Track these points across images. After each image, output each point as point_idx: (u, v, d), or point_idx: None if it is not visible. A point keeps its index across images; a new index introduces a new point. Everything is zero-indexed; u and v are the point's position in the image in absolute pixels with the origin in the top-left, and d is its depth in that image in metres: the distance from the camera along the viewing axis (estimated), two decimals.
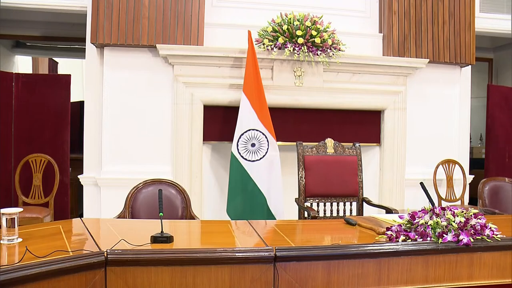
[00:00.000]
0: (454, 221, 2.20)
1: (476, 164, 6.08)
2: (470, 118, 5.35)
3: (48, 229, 2.42)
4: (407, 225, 2.28)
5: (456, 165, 4.99)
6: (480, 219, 2.26)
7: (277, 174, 4.27)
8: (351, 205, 3.90)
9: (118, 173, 4.37)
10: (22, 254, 1.83)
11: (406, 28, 4.80)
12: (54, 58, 8.17)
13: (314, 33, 4.38)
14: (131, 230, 2.47)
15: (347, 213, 3.88)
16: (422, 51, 4.83)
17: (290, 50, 4.34)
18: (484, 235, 2.23)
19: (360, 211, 3.91)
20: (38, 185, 4.43)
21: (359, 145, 4.06)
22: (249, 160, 4.19)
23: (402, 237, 2.21)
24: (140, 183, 3.06)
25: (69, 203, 4.83)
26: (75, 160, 4.91)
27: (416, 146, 4.94)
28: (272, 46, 4.36)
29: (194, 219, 3.01)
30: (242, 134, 4.19)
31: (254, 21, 4.52)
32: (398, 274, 2.16)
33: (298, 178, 3.84)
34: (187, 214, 3.01)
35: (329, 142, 3.97)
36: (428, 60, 4.80)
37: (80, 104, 5.26)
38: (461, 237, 2.18)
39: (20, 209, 2.16)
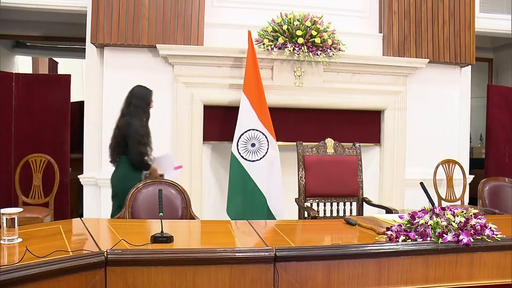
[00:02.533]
0: (454, 221, 2.20)
1: (476, 164, 6.07)
2: (470, 118, 5.35)
3: (48, 229, 2.42)
4: (407, 225, 2.28)
5: (456, 165, 4.99)
6: (480, 219, 2.26)
7: (277, 174, 4.27)
8: (351, 205, 3.90)
9: None
10: (22, 254, 1.83)
11: (406, 28, 4.80)
12: (54, 58, 8.16)
13: (314, 33, 4.38)
14: (131, 230, 2.47)
15: (347, 213, 3.88)
16: (422, 51, 4.83)
17: (290, 50, 4.34)
18: (484, 235, 2.23)
19: (360, 211, 3.91)
20: (38, 185, 4.43)
21: (359, 145, 4.06)
22: (249, 160, 4.19)
23: (402, 237, 2.21)
24: (140, 183, 3.06)
25: (69, 203, 4.83)
26: (75, 160, 4.91)
27: (416, 146, 4.94)
28: (272, 46, 4.36)
29: (194, 219, 3.01)
30: (242, 134, 4.19)
31: (254, 21, 4.52)
32: (398, 274, 2.16)
33: (298, 178, 3.84)
34: (187, 214, 3.01)
35: (329, 142, 3.96)
36: (428, 60, 4.80)
37: (80, 104, 5.26)
38: (461, 237, 2.18)
39: (20, 209, 2.16)
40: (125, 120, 3.47)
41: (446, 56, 4.90)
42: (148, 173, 3.53)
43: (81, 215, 4.84)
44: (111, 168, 4.36)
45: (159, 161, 3.63)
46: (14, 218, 2.08)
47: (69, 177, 4.79)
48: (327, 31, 4.47)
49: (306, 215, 3.60)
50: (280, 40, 4.35)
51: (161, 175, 3.56)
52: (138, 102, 3.50)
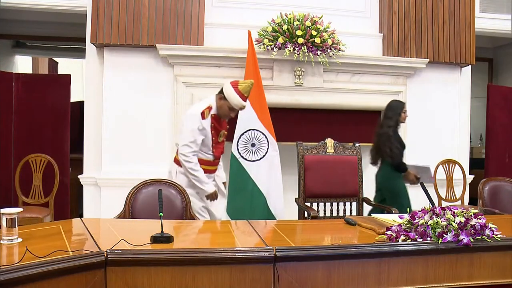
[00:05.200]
0: (454, 221, 2.20)
1: (476, 164, 6.07)
2: (470, 118, 5.34)
3: (48, 229, 2.42)
4: (407, 225, 2.28)
5: (456, 165, 4.99)
6: (480, 219, 2.26)
7: (277, 174, 4.27)
8: (351, 205, 3.90)
9: (118, 173, 4.37)
10: (22, 254, 1.82)
11: (406, 28, 4.80)
12: (54, 58, 8.17)
13: (314, 33, 4.38)
14: (131, 230, 2.47)
15: (347, 213, 3.88)
16: (422, 51, 4.83)
17: (290, 50, 4.34)
18: (484, 235, 2.23)
19: (360, 211, 3.91)
20: (38, 185, 4.43)
21: (359, 145, 4.06)
22: (249, 160, 4.19)
23: (402, 237, 2.21)
24: (140, 183, 3.05)
25: (69, 203, 4.82)
26: (75, 160, 4.91)
27: (416, 146, 4.93)
28: (272, 46, 4.36)
29: (194, 219, 3.01)
30: (242, 134, 4.19)
31: (254, 21, 4.52)
32: (398, 274, 2.16)
33: (298, 178, 3.84)
34: (187, 214, 3.01)
35: (329, 142, 3.97)
36: (428, 60, 4.80)
37: (80, 104, 5.26)
38: (461, 237, 2.18)
39: (20, 209, 2.15)
40: (383, 130, 4.02)
41: (446, 56, 4.90)
42: (404, 174, 4.04)
43: (81, 215, 4.84)
44: (112, 168, 4.38)
45: (416, 168, 4.16)
46: (14, 218, 2.08)
47: (69, 177, 4.79)
48: (327, 31, 4.47)
49: (306, 215, 3.60)
50: (280, 40, 4.35)
51: (418, 178, 4.01)
52: (390, 113, 4.05)
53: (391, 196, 3.96)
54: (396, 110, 4.06)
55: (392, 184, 3.95)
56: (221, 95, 3.38)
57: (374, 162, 4.15)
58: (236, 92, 3.32)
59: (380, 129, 4.08)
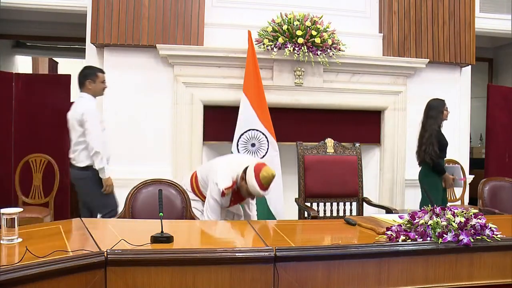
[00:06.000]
0: (454, 221, 2.20)
1: (476, 164, 6.07)
2: (470, 118, 5.34)
3: (48, 229, 2.42)
4: (407, 225, 2.28)
5: (456, 165, 4.98)
6: (480, 219, 2.26)
7: (277, 174, 4.27)
8: (351, 205, 3.91)
9: (118, 173, 4.35)
10: (22, 254, 1.83)
11: (406, 28, 4.80)
12: (54, 58, 8.17)
13: (314, 33, 4.38)
14: (131, 230, 2.47)
15: (347, 213, 3.89)
16: (422, 51, 4.82)
17: (290, 50, 4.34)
18: (484, 235, 2.23)
19: (360, 211, 3.92)
20: (38, 185, 4.43)
21: (359, 145, 4.07)
22: None
23: (402, 237, 2.21)
24: (140, 183, 3.06)
25: (69, 203, 4.82)
26: None
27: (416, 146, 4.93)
28: (272, 46, 4.36)
29: (194, 219, 3.01)
30: (242, 134, 4.19)
31: (254, 21, 4.52)
32: (398, 274, 2.16)
33: (298, 178, 3.84)
34: (187, 214, 3.01)
35: (329, 142, 3.97)
36: (428, 60, 4.80)
37: None
38: (461, 237, 2.18)
39: (20, 209, 2.15)
40: (429, 131, 4.02)
41: (446, 56, 4.90)
42: (442, 178, 4.09)
43: (81, 215, 4.84)
44: (112, 168, 4.37)
45: (451, 169, 4.25)
46: (14, 218, 2.08)
47: (69, 177, 4.78)
48: (327, 31, 4.46)
49: (306, 215, 3.60)
50: (280, 40, 4.35)
51: (454, 179, 4.12)
52: (433, 113, 4.06)
53: (425, 191, 4.00)
54: (438, 108, 4.08)
55: (429, 181, 3.98)
56: (244, 175, 3.13)
57: (420, 163, 4.18)
58: (255, 180, 3.03)
59: (424, 131, 4.07)
